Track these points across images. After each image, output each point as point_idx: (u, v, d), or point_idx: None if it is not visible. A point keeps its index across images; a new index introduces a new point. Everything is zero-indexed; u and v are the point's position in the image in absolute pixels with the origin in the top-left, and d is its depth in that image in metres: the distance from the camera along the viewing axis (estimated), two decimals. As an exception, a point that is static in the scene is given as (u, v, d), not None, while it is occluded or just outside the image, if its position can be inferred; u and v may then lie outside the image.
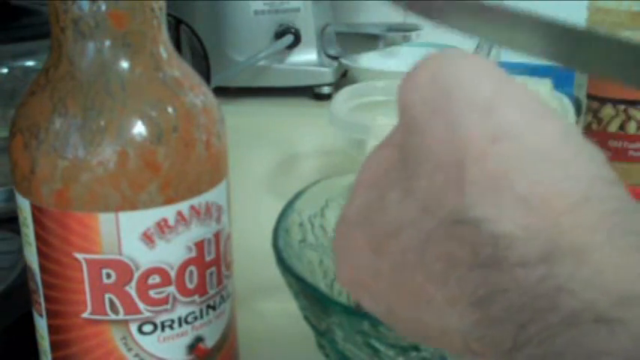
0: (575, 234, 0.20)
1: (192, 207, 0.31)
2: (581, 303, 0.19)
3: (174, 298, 0.32)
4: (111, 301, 0.31)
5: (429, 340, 0.24)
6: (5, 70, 0.53)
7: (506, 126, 0.21)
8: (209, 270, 0.33)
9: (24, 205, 0.31)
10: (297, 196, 0.42)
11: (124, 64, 0.30)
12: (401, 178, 0.23)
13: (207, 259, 0.32)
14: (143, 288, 0.31)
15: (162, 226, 0.30)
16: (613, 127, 0.62)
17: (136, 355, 0.32)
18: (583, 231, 0.20)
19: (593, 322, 0.19)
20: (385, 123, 0.70)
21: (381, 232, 0.24)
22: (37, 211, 0.30)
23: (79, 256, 0.30)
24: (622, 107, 0.61)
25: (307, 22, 0.91)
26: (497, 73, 0.22)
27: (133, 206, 0.30)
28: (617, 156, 0.62)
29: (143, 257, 0.30)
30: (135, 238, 0.30)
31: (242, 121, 0.75)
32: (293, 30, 0.90)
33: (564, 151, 0.21)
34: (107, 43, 0.30)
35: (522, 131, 0.21)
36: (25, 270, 0.33)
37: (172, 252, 0.31)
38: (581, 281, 0.19)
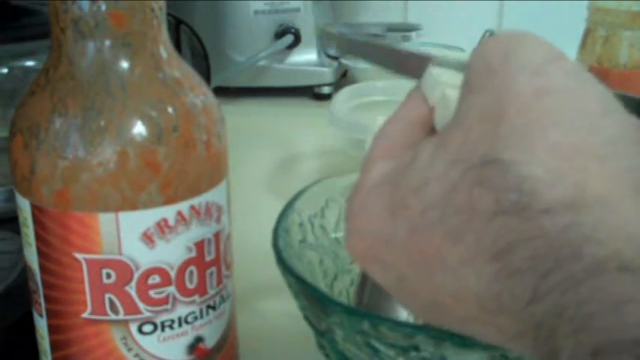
0: (602, 184, 0.20)
1: (192, 207, 0.31)
2: (605, 251, 0.19)
3: (174, 298, 0.32)
4: (111, 301, 0.31)
5: (440, 311, 0.24)
6: (5, 70, 0.53)
7: (550, 84, 0.22)
8: (209, 270, 0.33)
9: (24, 205, 0.31)
10: (297, 196, 0.42)
11: (124, 64, 0.30)
12: (432, 140, 0.24)
13: (207, 259, 0.32)
14: (143, 288, 0.31)
15: (162, 226, 0.30)
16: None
17: (136, 355, 0.32)
18: (609, 182, 0.20)
19: (618, 270, 0.18)
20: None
21: (402, 192, 0.24)
22: (37, 211, 0.30)
23: (79, 256, 0.30)
24: None
25: (307, 22, 0.91)
26: (553, 48, 0.24)
27: (133, 206, 0.30)
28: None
29: (143, 257, 0.30)
30: (135, 238, 0.30)
31: (242, 121, 0.75)
32: (293, 30, 0.90)
33: (599, 109, 0.22)
34: (107, 43, 0.30)
35: (564, 89, 0.22)
36: (25, 270, 0.33)
37: (172, 252, 0.31)
38: (607, 230, 0.19)
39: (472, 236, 0.21)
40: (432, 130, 0.27)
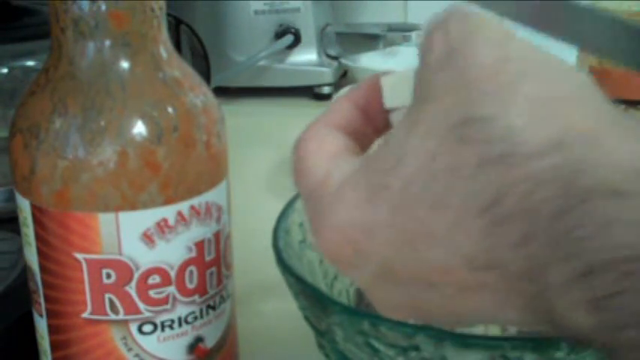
0: (584, 123, 0.21)
1: (192, 207, 0.31)
2: (594, 180, 0.19)
3: (174, 298, 0.32)
4: (111, 301, 0.31)
5: (425, 295, 0.24)
6: (5, 70, 0.53)
7: (512, 53, 0.22)
8: (209, 270, 0.33)
9: (24, 205, 0.31)
10: (297, 196, 0.42)
11: (124, 64, 0.30)
12: (400, 123, 0.24)
13: (207, 259, 0.32)
14: (143, 288, 0.31)
15: (162, 226, 0.30)
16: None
17: (136, 355, 0.32)
18: (591, 120, 0.21)
19: (606, 195, 0.19)
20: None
21: (378, 175, 0.24)
22: (37, 211, 0.30)
23: (79, 256, 0.30)
24: (622, 107, 0.61)
25: (307, 22, 0.91)
26: (509, 27, 0.24)
27: (133, 206, 0.30)
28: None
29: (143, 257, 0.30)
30: (135, 238, 0.30)
31: (242, 121, 0.75)
32: (293, 30, 0.90)
33: (561, 66, 0.23)
34: (107, 43, 0.30)
35: (525, 55, 0.23)
36: (25, 270, 0.33)
37: (172, 252, 0.31)
38: (595, 161, 0.20)
39: (458, 198, 0.21)
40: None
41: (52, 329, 0.32)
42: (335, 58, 0.92)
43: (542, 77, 0.22)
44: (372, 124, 0.28)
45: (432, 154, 0.22)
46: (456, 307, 0.24)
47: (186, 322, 0.32)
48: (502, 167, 0.21)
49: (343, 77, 0.94)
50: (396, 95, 0.27)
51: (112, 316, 0.31)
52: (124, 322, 0.31)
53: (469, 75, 0.22)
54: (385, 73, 0.28)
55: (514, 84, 0.22)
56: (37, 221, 0.31)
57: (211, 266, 0.33)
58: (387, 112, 0.28)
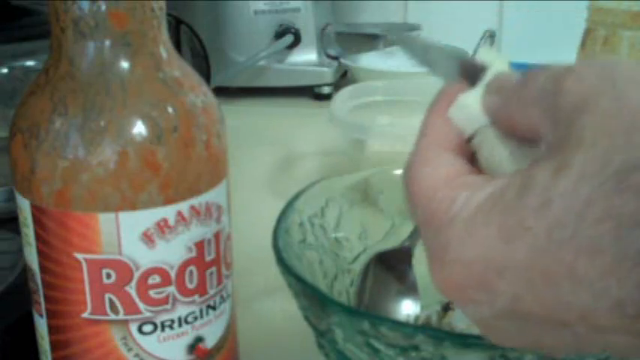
0: None
1: (192, 207, 0.31)
2: None
3: (174, 298, 0.32)
4: (111, 301, 0.31)
5: (560, 332, 0.23)
6: (5, 70, 0.53)
7: None
8: (209, 270, 0.33)
9: (24, 205, 0.31)
10: (297, 196, 0.42)
11: (124, 64, 0.30)
12: (545, 164, 0.23)
13: (207, 259, 0.32)
14: (143, 288, 0.31)
15: (162, 226, 0.30)
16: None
17: (136, 355, 0.32)
18: None
19: None
20: (385, 123, 0.71)
21: (519, 216, 0.23)
22: (37, 211, 0.30)
23: (79, 256, 0.30)
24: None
25: (307, 22, 0.91)
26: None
27: (133, 206, 0.30)
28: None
29: (143, 257, 0.30)
30: (135, 238, 0.30)
31: (242, 121, 0.75)
32: (293, 30, 0.90)
33: None
34: (107, 43, 0.30)
35: None
36: (25, 270, 0.33)
37: (172, 252, 0.31)
38: None
39: (615, 246, 0.21)
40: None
41: (52, 329, 0.32)
42: (335, 58, 0.92)
43: None
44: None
45: (587, 199, 0.22)
46: (584, 345, 0.24)
47: (186, 322, 0.32)
48: None
49: (343, 77, 0.94)
50: (471, 121, 0.27)
51: (112, 316, 0.31)
52: (124, 322, 0.31)
53: (625, 117, 0.22)
54: (448, 101, 0.28)
55: None
56: (37, 221, 0.31)
57: (211, 266, 0.33)
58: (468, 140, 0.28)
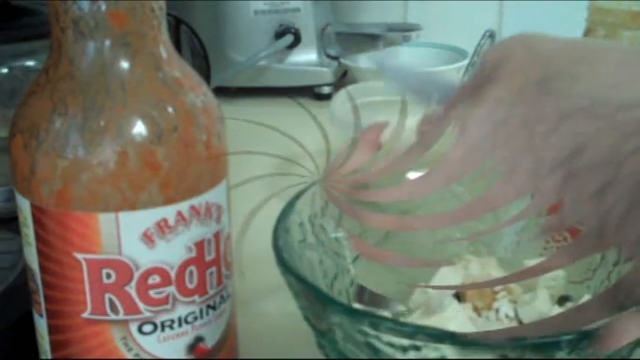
0: None
1: (192, 207, 0.31)
2: None
3: (174, 298, 0.32)
4: (111, 301, 0.31)
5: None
6: (5, 70, 0.53)
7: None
8: (209, 270, 0.33)
9: (24, 205, 0.31)
10: (297, 196, 0.42)
11: (124, 64, 0.30)
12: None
13: (207, 259, 0.32)
14: (143, 288, 0.31)
15: (162, 226, 0.30)
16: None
17: (136, 355, 0.32)
18: None
19: None
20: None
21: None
22: (37, 211, 0.30)
23: (79, 256, 0.30)
24: None
25: (307, 22, 0.91)
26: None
27: (133, 206, 0.30)
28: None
29: (143, 257, 0.30)
30: (135, 238, 0.30)
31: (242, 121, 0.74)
32: (293, 30, 0.90)
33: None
34: (107, 43, 0.30)
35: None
36: (25, 270, 0.33)
37: (172, 252, 0.31)
38: None
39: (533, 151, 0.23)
40: None
41: (52, 329, 0.32)
42: (335, 58, 0.92)
43: (622, 49, 0.23)
44: None
45: (507, 109, 0.24)
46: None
47: (186, 322, 0.32)
48: (585, 119, 0.22)
49: (343, 77, 0.94)
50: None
51: (112, 316, 0.31)
52: (124, 322, 0.31)
53: (539, 61, 0.24)
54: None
55: (600, 52, 0.23)
56: (37, 221, 0.31)
57: (211, 266, 0.33)
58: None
